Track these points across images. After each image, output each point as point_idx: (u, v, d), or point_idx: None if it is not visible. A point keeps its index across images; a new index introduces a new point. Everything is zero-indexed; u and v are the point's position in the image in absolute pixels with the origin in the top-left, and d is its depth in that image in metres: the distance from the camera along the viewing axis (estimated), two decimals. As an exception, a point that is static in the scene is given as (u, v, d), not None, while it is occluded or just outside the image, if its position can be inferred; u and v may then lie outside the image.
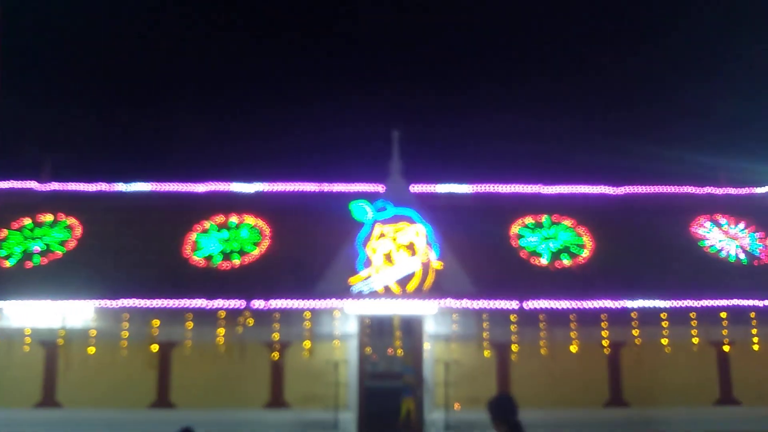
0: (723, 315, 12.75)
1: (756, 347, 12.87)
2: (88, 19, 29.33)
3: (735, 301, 12.60)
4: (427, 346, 12.84)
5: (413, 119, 29.44)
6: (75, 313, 12.48)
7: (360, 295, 12.43)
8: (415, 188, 14.74)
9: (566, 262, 13.88)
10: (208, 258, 13.65)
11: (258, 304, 12.18)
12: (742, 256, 14.21)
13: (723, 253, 14.27)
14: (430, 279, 12.64)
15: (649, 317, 12.68)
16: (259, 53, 35.71)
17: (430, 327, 12.88)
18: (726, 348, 12.96)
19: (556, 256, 14.00)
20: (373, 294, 12.45)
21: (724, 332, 12.84)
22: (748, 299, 12.67)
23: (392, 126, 14.18)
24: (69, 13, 29.16)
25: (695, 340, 12.78)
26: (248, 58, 35.44)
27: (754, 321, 12.84)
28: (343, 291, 12.47)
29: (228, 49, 34.18)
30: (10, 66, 24.59)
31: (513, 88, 32.56)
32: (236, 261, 13.60)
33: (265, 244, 14.04)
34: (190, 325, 12.46)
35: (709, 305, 12.56)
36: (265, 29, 35.66)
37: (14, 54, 25.19)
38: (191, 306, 12.21)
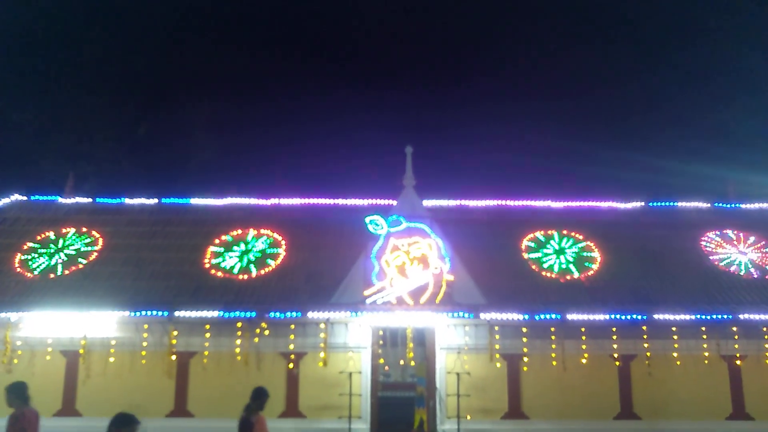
0: (734, 329, 12.80)
1: (769, 362, 12.90)
2: (112, 33, 30.14)
3: (746, 315, 12.64)
4: (439, 356, 13.00)
5: (426, 135, 29.88)
6: (96, 323, 12.76)
7: (374, 306, 12.66)
8: (428, 203, 15.05)
9: (576, 275, 14.05)
10: (227, 270, 13.97)
11: (274, 314, 12.44)
12: (752, 270, 14.29)
13: (733, 267, 14.36)
14: (443, 291, 12.84)
15: (659, 330, 12.75)
16: (277, 72, 36.48)
17: (442, 338, 13.07)
18: (738, 362, 12.95)
19: (566, 269, 14.18)
20: (387, 305, 12.68)
21: (736, 346, 12.85)
22: (759, 314, 12.71)
23: (406, 142, 14.50)
24: (93, 28, 29.96)
25: (706, 354, 12.82)
26: (267, 77, 36.18)
27: (766, 335, 12.84)
28: (358, 302, 12.71)
29: (247, 68, 34.89)
30: (33, 82, 25.34)
31: (524, 105, 32.91)
32: (254, 273, 13.92)
33: (282, 256, 14.36)
34: (208, 335, 12.75)
35: (719, 319, 12.62)
36: (283, 49, 36.41)
37: (38, 70, 25.97)
38: (209, 316, 12.49)
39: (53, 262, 14.09)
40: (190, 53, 34.70)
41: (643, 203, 16.45)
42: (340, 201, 16.12)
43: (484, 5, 36.97)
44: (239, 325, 12.67)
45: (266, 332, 12.68)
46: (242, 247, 14.51)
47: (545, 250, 14.61)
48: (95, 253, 14.38)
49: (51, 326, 12.81)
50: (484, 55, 36.34)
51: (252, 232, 14.90)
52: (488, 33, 36.69)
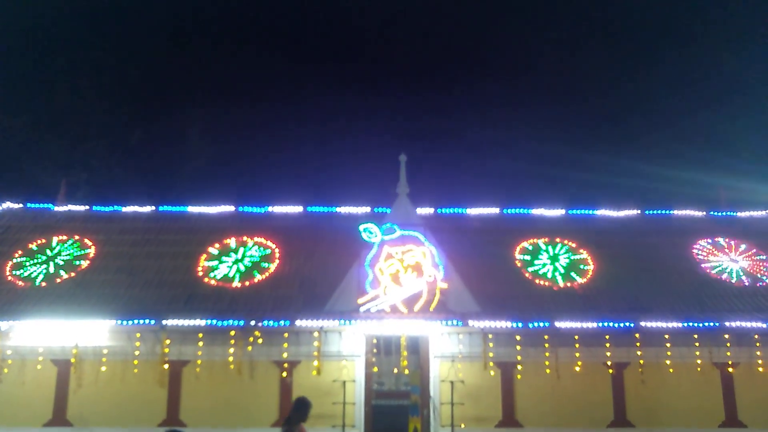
0: (726, 336, 12.85)
1: (761, 369, 12.92)
2: (107, 38, 30.12)
3: (738, 323, 12.69)
4: (433, 365, 12.99)
5: (420, 144, 29.99)
6: (88, 332, 12.68)
7: (368, 314, 12.64)
8: (422, 211, 15.08)
9: (569, 282, 14.07)
10: (220, 278, 13.91)
11: (268, 323, 12.39)
12: (744, 278, 14.37)
13: (725, 275, 14.43)
14: (437, 299, 12.86)
15: (652, 338, 12.79)
16: (270, 79, 36.54)
17: (436, 346, 13.04)
18: (730, 370, 13.00)
19: (559, 277, 14.21)
20: (381, 314, 12.67)
21: (728, 354, 12.90)
22: (751, 321, 12.77)
23: (399, 150, 14.55)
24: (86, 33, 29.94)
25: (699, 362, 12.87)
26: (261, 82, 36.22)
27: (758, 343, 12.91)
28: (352, 311, 12.69)
29: (240, 75, 34.93)
30: (25, 88, 25.28)
31: (518, 113, 33.08)
32: (247, 281, 13.87)
33: (275, 264, 14.32)
34: (200, 343, 12.68)
35: (712, 326, 12.67)
36: (275, 57, 36.49)
37: (31, 76, 25.91)
38: (202, 325, 12.42)
39: (45, 270, 14.00)
40: (183, 60, 34.73)
41: (635, 211, 16.56)
42: (334, 209, 16.13)
43: (478, 12, 37.23)
44: (232, 333, 12.62)
45: (259, 341, 12.64)
46: (235, 255, 14.47)
47: (539, 258, 14.65)
48: (88, 261, 14.31)
49: (42, 335, 12.72)
50: (478, 64, 36.55)
51: (245, 240, 14.87)
52: (482, 40, 36.95)
